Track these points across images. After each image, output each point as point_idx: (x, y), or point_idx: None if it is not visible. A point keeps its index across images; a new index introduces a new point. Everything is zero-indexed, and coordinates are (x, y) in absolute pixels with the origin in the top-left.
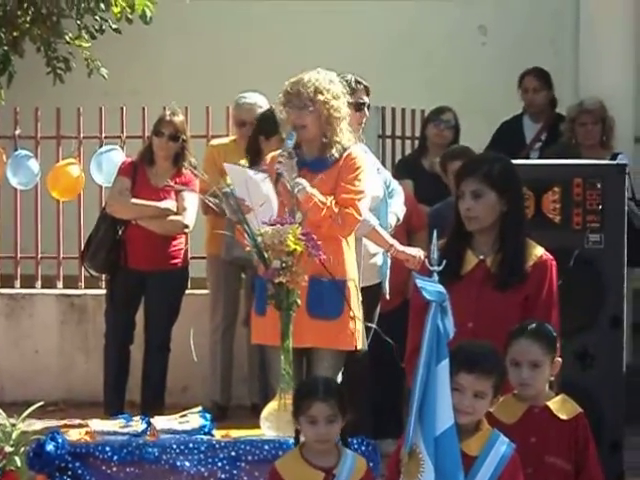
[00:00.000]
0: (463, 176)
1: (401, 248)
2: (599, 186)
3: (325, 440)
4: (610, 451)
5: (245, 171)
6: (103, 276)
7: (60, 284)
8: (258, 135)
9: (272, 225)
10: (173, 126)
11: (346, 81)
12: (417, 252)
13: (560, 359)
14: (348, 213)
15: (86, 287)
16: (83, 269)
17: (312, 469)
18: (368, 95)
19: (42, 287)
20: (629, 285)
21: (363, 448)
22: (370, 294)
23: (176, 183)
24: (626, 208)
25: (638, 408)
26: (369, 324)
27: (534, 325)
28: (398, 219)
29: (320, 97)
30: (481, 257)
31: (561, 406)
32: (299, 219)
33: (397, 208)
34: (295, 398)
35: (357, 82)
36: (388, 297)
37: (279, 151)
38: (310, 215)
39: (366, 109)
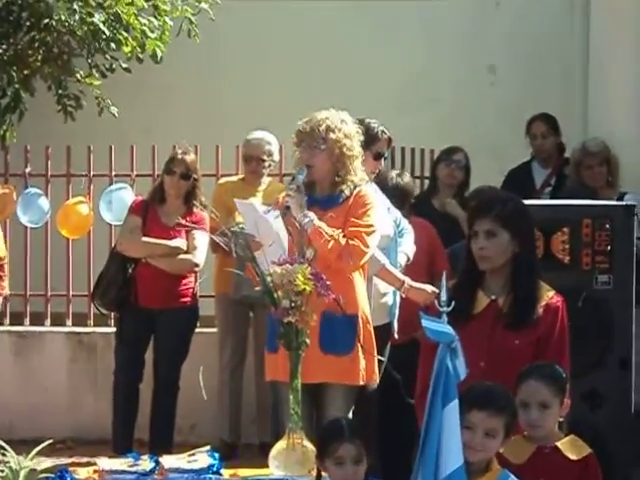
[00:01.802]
0: (476, 216)
1: (413, 284)
2: (608, 227)
3: None
4: None
5: (255, 208)
6: (112, 314)
7: (69, 322)
8: None
9: (281, 265)
10: (185, 165)
11: (371, 128)
12: (429, 287)
13: (569, 400)
14: (354, 245)
15: (95, 325)
16: (92, 307)
17: None
18: (389, 147)
19: (51, 325)
20: (638, 326)
21: None
22: (380, 333)
23: (187, 222)
24: (635, 249)
25: None
26: (380, 357)
27: (543, 366)
28: (408, 258)
29: (332, 135)
30: (493, 297)
31: (570, 446)
32: (310, 255)
33: (407, 247)
34: (320, 440)
35: (382, 132)
36: (397, 336)
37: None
38: (318, 248)
39: (382, 160)
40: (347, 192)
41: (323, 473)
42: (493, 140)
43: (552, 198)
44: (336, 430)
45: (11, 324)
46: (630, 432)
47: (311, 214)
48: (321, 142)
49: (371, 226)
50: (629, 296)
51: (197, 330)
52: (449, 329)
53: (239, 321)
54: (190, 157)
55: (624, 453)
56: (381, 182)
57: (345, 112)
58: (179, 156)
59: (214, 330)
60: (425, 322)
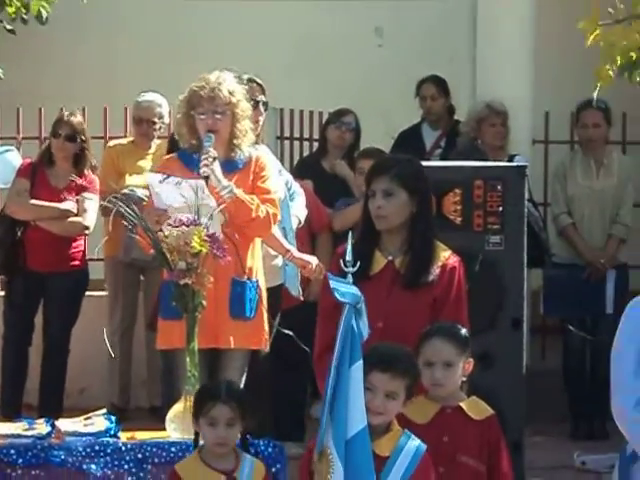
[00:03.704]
0: (374, 175)
1: (297, 255)
2: (500, 188)
3: (224, 443)
4: (511, 451)
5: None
6: (0, 277)
7: None
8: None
9: (176, 227)
10: (70, 126)
11: (240, 80)
12: (313, 259)
13: (472, 360)
14: (274, 213)
15: None
16: None
17: (213, 472)
18: (263, 94)
19: None
20: (528, 287)
21: (270, 450)
22: (272, 295)
23: (77, 184)
24: (526, 210)
25: (536, 409)
26: (286, 331)
27: (446, 326)
28: (300, 221)
29: (233, 99)
30: (390, 258)
31: (473, 407)
32: (222, 221)
33: (298, 210)
34: (196, 399)
35: (250, 80)
36: (302, 298)
37: (170, 155)
38: (239, 216)
39: (261, 107)
40: (246, 154)
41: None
42: (380, 102)
43: (442, 160)
44: (212, 391)
45: None
46: (521, 393)
47: (230, 183)
48: (225, 108)
49: (276, 192)
50: (520, 257)
51: (87, 293)
52: (355, 290)
53: (129, 284)
54: (76, 119)
55: (515, 414)
56: None
57: (230, 72)
58: (65, 118)
59: (104, 293)
60: (333, 283)
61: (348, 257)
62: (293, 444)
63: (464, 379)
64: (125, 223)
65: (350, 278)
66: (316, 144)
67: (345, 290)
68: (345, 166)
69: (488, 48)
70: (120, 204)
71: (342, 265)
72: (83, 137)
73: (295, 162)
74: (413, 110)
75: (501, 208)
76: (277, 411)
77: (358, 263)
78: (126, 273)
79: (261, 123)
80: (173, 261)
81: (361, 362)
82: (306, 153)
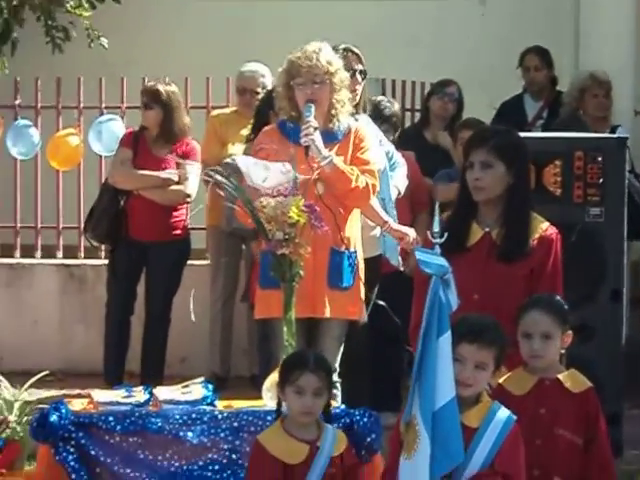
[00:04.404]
0: (473, 146)
1: (395, 226)
2: (600, 159)
3: (310, 412)
4: (609, 424)
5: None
6: (103, 246)
7: (60, 254)
8: (267, 109)
9: (275, 197)
10: (148, 94)
11: (336, 50)
12: (411, 231)
13: (571, 332)
14: (372, 184)
15: (85, 257)
16: (83, 239)
17: (297, 442)
18: (360, 63)
19: (42, 257)
20: (628, 258)
21: (365, 420)
22: (371, 266)
23: (177, 153)
24: (626, 182)
25: (635, 382)
26: (380, 302)
27: (545, 297)
28: (399, 192)
29: (331, 68)
30: (486, 229)
31: (571, 379)
32: (321, 191)
33: (398, 181)
34: (284, 367)
35: (346, 50)
36: (402, 268)
37: (270, 126)
38: (339, 186)
39: (358, 76)
40: (345, 125)
41: (284, 403)
42: (482, 72)
43: (544, 131)
44: (300, 359)
45: (1, 256)
46: (620, 364)
47: (330, 153)
48: (325, 77)
49: (375, 163)
50: (620, 229)
51: (189, 263)
52: (442, 260)
53: (231, 253)
54: (155, 87)
55: (614, 385)
56: (374, 110)
57: (326, 43)
58: (145, 87)
59: (205, 263)
60: (419, 254)
61: (436, 228)
62: (390, 414)
63: (563, 351)
64: (223, 194)
65: (438, 249)
66: (418, 115)
67: (430, 261)
68: (447, 137)
69: (591, 18)
70: (217, 177)
71: (430, 236)
72: (168, 104)
73: (399, 132)
74: (514, 80)
75: (601, 180)
76: (374, 381)
77: (445, 234)
78: (228, 242)
79: (359, 92)
80: (271, 231)
81: (449, 333)
82: (408, 124)
